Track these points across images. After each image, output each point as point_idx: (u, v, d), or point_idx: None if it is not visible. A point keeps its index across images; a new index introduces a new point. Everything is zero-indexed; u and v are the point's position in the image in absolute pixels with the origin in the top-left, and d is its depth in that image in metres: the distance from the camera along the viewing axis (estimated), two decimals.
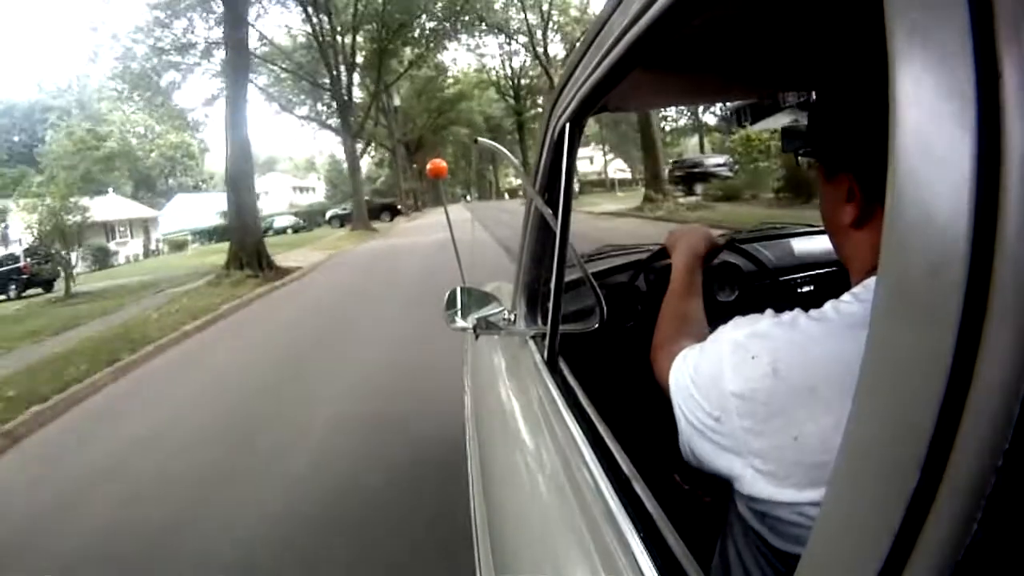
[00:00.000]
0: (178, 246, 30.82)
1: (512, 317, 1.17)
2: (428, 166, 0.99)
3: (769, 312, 0.53)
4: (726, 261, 1.28)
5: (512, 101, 37.42)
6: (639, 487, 0.55)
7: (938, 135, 0.21)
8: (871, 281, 0.48)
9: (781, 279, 1.23)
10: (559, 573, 0.55)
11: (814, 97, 0.76)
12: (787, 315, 0.50)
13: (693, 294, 0.84)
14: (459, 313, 1.11)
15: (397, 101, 31.69)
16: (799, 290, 1.33)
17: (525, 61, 34.27)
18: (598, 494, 0.56)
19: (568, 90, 0.78)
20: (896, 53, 0.23)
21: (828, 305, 0.48)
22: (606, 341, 1.22)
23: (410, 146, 37.73)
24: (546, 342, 0.90)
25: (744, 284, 1.29)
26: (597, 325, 0.99)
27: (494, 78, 37.35)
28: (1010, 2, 0.19)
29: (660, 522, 0.49)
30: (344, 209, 28.40)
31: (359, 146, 23.95)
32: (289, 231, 29.60)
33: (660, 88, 0.86)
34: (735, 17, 0.54)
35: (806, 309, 0.50)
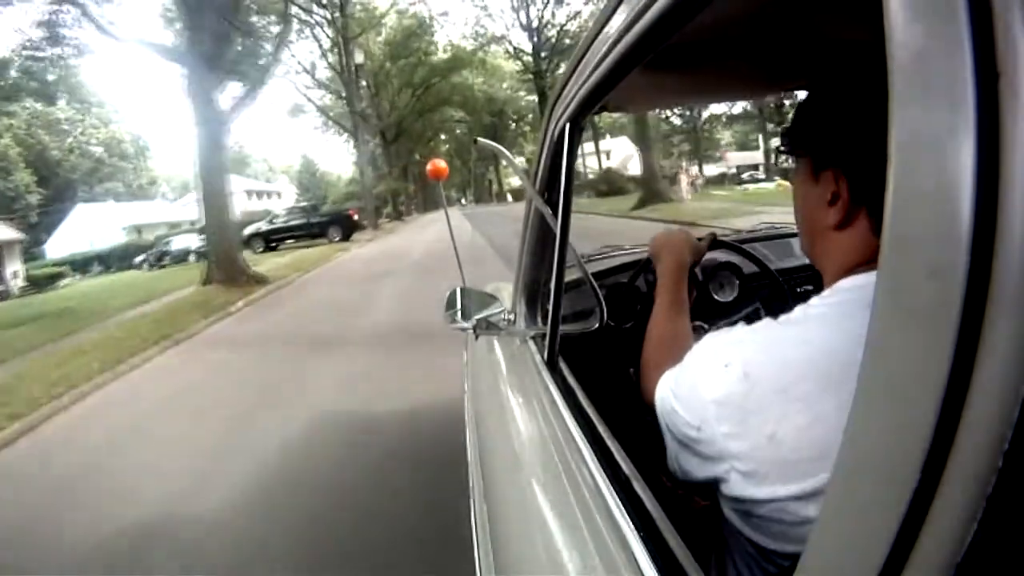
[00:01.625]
0: (41, 283, 19.98)
1: (512, 317, 1.18)
2: (428, 167, 0.99)
3: (741, 323, 0.55)
4: (726, 261, 1.28)
5: (529, 59, 27.35)
6: (639, 487, 0.55)
7: (937, 135, 0.21)
8: (841, 284, 0.49)
9: (781, 279, 1.23)
10: (559, 573, 0.55)
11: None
12: (758, 323, 0.53)
13: (680, 309, 0.84)
14: (459, 313, 1.11)
15: (359, 58, 21.18)
16: (798, 290, 1.33)
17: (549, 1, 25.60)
18: (598, 494, 0.56)
19: (568, 90, 0.78)
20: (894, 52, 0.23)
21: (798, 309, 0.50)
22: (606, 341, 1.22)
23: (386, 134, 27.91)
24: (546, 342, 0.90)
25: (744, 284, 1.29)
26: (597, 325, 0.99)
27: (504, 29, 27.83)
28: (1010, 2, 0.19)
29: (660, 522, 0.49)
30: (272, 223, 18.59)
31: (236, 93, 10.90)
32: (192, 258, 18.60)
33: (660, 88, 0.86)
34: (735, 17, 0.54)
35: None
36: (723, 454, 0.49)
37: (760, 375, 0.47)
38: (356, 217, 18.25)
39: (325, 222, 18.05)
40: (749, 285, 1.30)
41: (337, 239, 17.24)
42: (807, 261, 1.42)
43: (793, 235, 1.49)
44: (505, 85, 32.25)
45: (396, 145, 30.20)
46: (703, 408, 0.50)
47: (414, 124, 30.96)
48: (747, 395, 0.47)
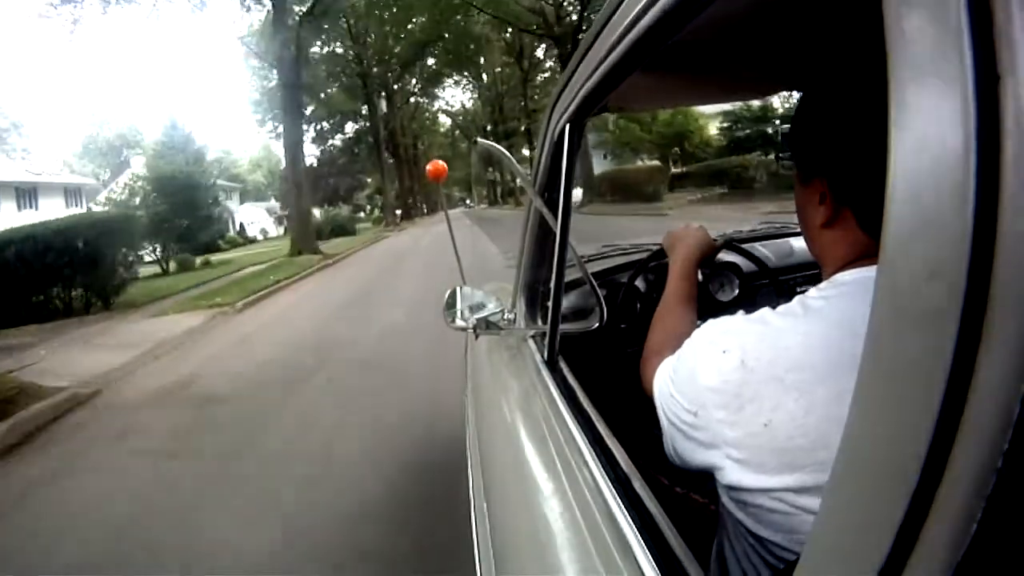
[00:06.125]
0: None
1: (512, 317, 1.18)
2: (428, 167, 0.98)
3: (740, 312, 0.55)
4: (726, 261, 1.28)
5: None
6: (639, 487, 0.55)
7: (937, 136, 0.21)
8: (838, 277, 0.50)
9: (781, 279, 1.23)
10: (559, 573, 0.55)
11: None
12: (756, 313, 0.53)
13: (687, 304, 0.85)
14: (459, 313, 1.11)
15: None
16: (799, 290, 1.33)
17: None
18: (598, 494, 0.56)
19: (568, 91, 0.78)
20: (894, 54, 0.23)
21: (795, 301, 0.51)
22: (606, 341, 1.22)
23: None
24: (546, 342, 0.90)
25: (744, 284, 1.30)
26: (597, 325, 0.99)
27: None
28: (1010, 2, 0.19)
29: (660, 522, 0.49)
30: None
31: None
32: None
33: (660, 89, 0.86)
34: (735, 18, 0.54)
35: None
36: (718, 441, 0.49)
37: (757, 363, 0.48)
38: None
39: None
40: (749, 285, 1.30)
41: None
42: (807, 261, 1.42)
43: (793, 235, 1.49)
44: None
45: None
46: (700, 394, 0.51)
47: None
48: (743, 382, 0.48)
